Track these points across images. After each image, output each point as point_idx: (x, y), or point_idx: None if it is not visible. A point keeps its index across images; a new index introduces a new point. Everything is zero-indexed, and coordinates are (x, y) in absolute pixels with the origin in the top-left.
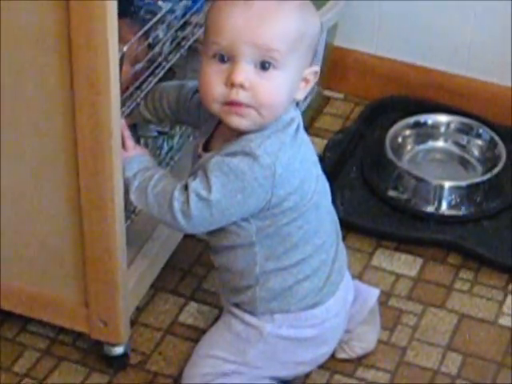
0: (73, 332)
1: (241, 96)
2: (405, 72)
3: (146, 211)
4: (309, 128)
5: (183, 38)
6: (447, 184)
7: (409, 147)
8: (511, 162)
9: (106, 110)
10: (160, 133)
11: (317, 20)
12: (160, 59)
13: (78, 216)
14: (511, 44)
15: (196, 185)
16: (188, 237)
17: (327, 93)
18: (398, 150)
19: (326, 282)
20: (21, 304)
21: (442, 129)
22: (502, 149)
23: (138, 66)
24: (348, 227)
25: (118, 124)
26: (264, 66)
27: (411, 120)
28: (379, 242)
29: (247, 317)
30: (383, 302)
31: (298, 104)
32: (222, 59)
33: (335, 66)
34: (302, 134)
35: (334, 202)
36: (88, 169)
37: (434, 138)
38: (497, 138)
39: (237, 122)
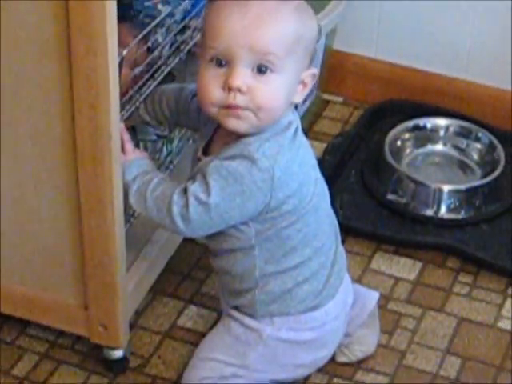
0: (72, 335)
1: (238, 100)
2: (404, 76)
3: (145, 215)
4: (308, 132)
5: (182, 42)
6: (446, 188)
7: (408, 151)
8: (510, 165)
9: (106, 114)
10: (159, 136)
11: (314, 23)
12: (159, 63)
13: (77, 219)
14: (511, 48)
15: (195, 188)
16: (187, 240)
17: (326, 96)
18: (398, 153)
19: (325, 285)
20: (20, 307)
21: (442, 132)
22: (501, 152)
23: (138, 70)
24: (347, 231)
25: (117, 127)
26: (261, 69)
27: (410, 123)
28: (378, 246)
29: (247, 320)
30: (382, 305)
31: (296, 107)
32: (220, 63)
33: (334, 69)
34: (301, 137)
35: (333, 205)
36: (87, 172)
37: (434, 141)
38: (496, 141)
39: (234, 124)
